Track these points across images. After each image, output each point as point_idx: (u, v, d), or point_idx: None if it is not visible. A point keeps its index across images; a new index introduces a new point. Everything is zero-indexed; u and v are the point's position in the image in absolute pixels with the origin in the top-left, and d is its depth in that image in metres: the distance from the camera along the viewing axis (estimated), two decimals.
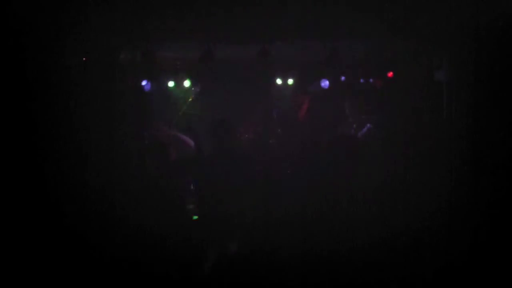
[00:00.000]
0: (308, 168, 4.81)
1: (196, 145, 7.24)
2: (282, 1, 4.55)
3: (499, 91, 4.98)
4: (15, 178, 3.96)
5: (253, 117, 8.60)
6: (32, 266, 3.86)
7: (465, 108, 5.45)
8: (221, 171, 4.35)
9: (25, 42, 4.11)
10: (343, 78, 8.14)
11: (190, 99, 8.41)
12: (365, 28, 5.63)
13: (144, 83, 7.39)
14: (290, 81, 8.24)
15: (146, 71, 6.86)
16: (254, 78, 8.39)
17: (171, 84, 8.12)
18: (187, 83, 8.17)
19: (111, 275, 4.09)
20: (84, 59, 5.32)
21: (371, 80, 8.21)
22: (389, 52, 6.98)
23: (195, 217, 4.66)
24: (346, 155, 4.76)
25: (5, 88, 3.97)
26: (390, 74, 7.85)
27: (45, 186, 4.16)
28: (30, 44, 4.16)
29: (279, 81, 8.27)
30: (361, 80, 8.26)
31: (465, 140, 5.27)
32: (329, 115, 8.46)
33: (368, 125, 7.25)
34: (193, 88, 8.38)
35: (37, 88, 4.22)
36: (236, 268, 4.06)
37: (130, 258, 4.27)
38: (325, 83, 8.12)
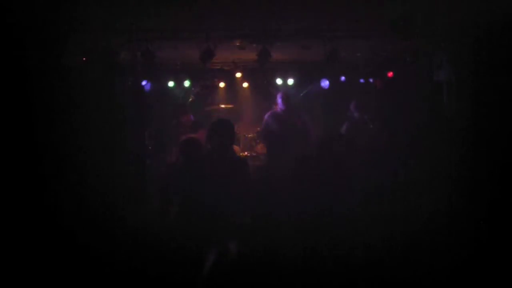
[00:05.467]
0: (307, 169, 4.81)
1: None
2: (282, 1, 4.55)
3: (499, 91, 4.98)
4: (15, 178, 3.96)
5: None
6: (31, 266, 3.86)
7: (465, 108, 5.45)
8: (221, 171, 4.35)
9: (25, 42, 4.11)
10: (343, 78, 8.15)
11: (190, 99, 8.43)
12: (365, 28, 5.64)
13: (144, 83, 7.40)
14: (290, 81, 8.26)
15: (146, 71, 6.85)
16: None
17: (171, 84, 8.13)
18: (187, 83, 8.18)
19: (110, 275, 4.09)
20: (84, 59, 5.32)
21: (371, 80, 8.23)
22: (389, 52, 6.99)
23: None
24: (344, 155, 4.76)
25: (5, 88, 3.97)
26: (390, 74, 7.86)
27: (45, 186, 4.16)
28: (30, 44, 4.16)
29: (279, 81, 8.28)
30: (361, 80, 8.27)
31: (465, 140, 5.28)
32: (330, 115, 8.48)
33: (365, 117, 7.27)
34: (193, 88, 8.39)
35: (37, 88, 4.22)
36: (235, 269, 4.06)
37: (129, 258, 4.27)
38: (325, 83, 8.13)
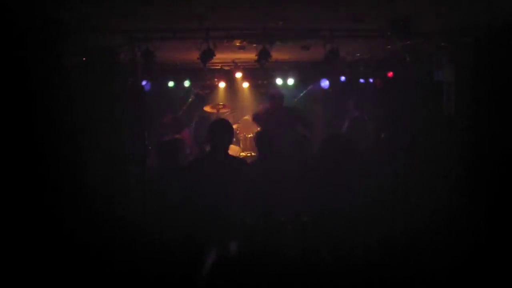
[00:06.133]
0: (307, 169, 4.81)
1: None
2: (282, 1, 4.55)
3: (499, 91, 4.98)
4: (15, 178, 3.96)
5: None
6: (31, 267, 3.86)
7: (465, 108, 5.45)
8: (219, 171, 4.35)
9: (25, 42, 4.11)
10: (343, 78, 8.16)
11: (190, 99, 8.43)
12: (365, 28, 5.63)
13: (144, 83, 7.40)
14: (290, 81, 8.26)
15: (146, 71, 6.85)
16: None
17: (171, 84, 8.13)
18: (187, 83, 8.18)
19: (110, 275, 4.10)
20: (84, 59, 5.32)
21: (371, 80, 8.23)
22: (389, 52, 6.99)
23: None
24: (344, 155, 4.76)
25: (5, 88, 3.97)
26: (390, 74, 7.86)
27: (45, 186, 4.16)
28: (30, 44, 4.16)
29: (279, 81, 8.28)
30: (361, 80, 8.28)
31: (465, 140, 5.28)
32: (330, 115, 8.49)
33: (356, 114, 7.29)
34: (193, 88, 8.40)
35: (37, 88, 4.22)
36: (235, 269, 4.06)
37: (129, 258, 4.27)
38: (325, 83, 8.13)
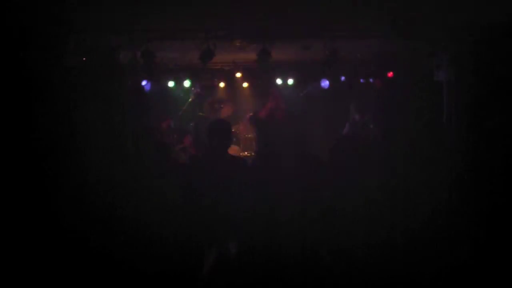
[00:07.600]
0: (308, 169, 4.81)
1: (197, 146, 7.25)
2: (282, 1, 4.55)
3: (499, 91, 4.99)
4: (16, 178, 3.96)
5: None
6: (32, 266, 3.86)
7: (465, 108, 5.45)
8: (219, 172, 4.35)
9: (25, 42, 4.11)
10: (343, 78, 8.15)
11: (190, 99, 8.43)
12: (365, 28, 5.63)
13: (144, 83, 7.39)
14: (290, 81, 8.25)
15: (146, 71, 6.85)
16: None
17: (171, 84, 8.13)
18: (187, 83, 8.18)
19: (110, 275, 4.10)
20: (84, 59, 5.32)
21: (371, 80, 8.23)
22: (389, 52, 6.99)
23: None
24: (346, 155, 4.76)
25: (6, 89, 3.97)
26: (390, 74, 7.86)
27: (45, 186, 4.16)
28: (30, 44, 4.16)
29: (279, 81, 8.28)
30: (361, 80, 8.27)
31: (464, 140, 5.28)
32: (330, 116, 8.48)
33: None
34: (193, 88, 8.39)
35: (37, 88, 4.22)
36: (235, 269, 4.07)
37: (130, 258, 4.27)
38: (325, 83, 8.13)
